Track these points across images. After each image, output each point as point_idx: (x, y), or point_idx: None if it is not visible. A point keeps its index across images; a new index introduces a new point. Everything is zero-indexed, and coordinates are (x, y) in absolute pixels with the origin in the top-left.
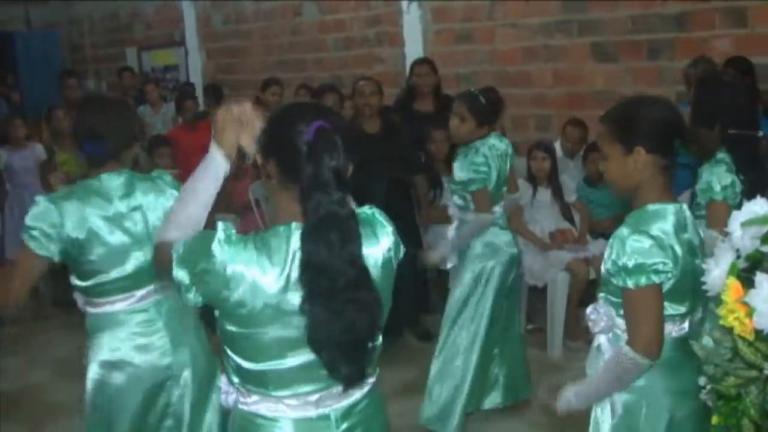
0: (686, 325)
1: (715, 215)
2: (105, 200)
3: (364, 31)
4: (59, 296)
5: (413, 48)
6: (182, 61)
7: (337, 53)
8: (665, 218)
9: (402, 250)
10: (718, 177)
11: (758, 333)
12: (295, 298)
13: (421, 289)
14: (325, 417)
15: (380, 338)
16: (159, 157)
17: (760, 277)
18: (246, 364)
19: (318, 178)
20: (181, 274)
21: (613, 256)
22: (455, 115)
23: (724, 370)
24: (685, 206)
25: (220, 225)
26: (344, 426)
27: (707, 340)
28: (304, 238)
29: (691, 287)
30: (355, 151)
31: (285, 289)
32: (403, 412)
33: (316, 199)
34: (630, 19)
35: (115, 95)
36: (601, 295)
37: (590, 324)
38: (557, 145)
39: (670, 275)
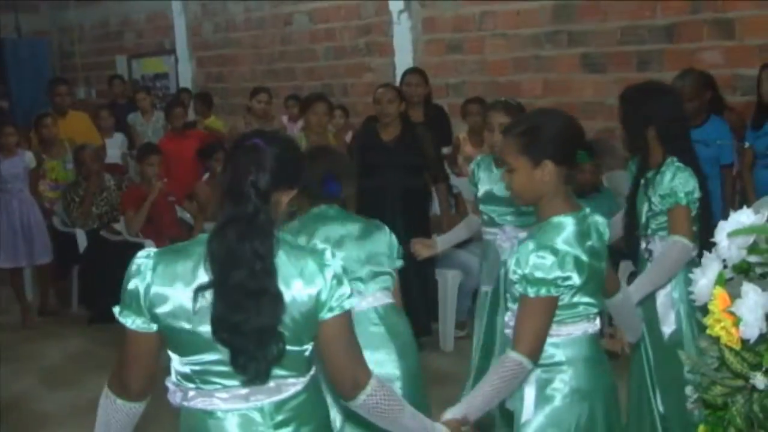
0: (598, 322)
1: (679, 220)
2: None
3: (355, 41)
4: (46, 305)
5: (403, 58)
6: (172, 69)
7: (327, 62)
8: (567, 229)
9: (348, 303)
10: (682, 183)
11: (745, 342)
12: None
13: (430, 298)
14: (259, 408)
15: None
16: (148, 165)
17: (746, 287)
18: (176, 360)
19: (231, 187)
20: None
21: (515, 266)
22: (494, 127)
23: (711, 379)
24: (588, 211)
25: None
26: (278, 418)
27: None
28: (210, 237)
29: (598, 288)
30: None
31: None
32: None
33: (227, 206)
34: (619, 30)
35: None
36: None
37: (507, 332)
38: None
39: (570, 287)
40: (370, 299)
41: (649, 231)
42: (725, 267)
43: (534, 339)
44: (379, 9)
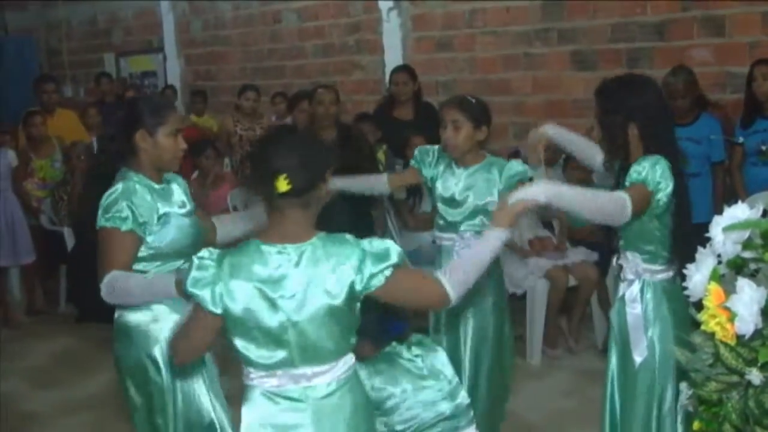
0: None
1: (634, 190)
2: None
3: (344, 39)
4: (33, 305)
5: (393, 55)
6: (160, 67)
7: (316, 60)
8: None
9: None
10: (653, 171)
11: (740, 338)
12: None
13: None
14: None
15: None
16: None
17: (741, 282)
18: None
19: None
20: None
21: None
22: (447, 124)
23: (706, 375)
24: None
25: None
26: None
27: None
28: None
29: None
30: None
31: None
32: None
33: None
34: (609, 27)
35: None
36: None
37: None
38: None
39: None
40: None
41: (621, 243)
42: (720, 262)
43: None
44: (369, 6)
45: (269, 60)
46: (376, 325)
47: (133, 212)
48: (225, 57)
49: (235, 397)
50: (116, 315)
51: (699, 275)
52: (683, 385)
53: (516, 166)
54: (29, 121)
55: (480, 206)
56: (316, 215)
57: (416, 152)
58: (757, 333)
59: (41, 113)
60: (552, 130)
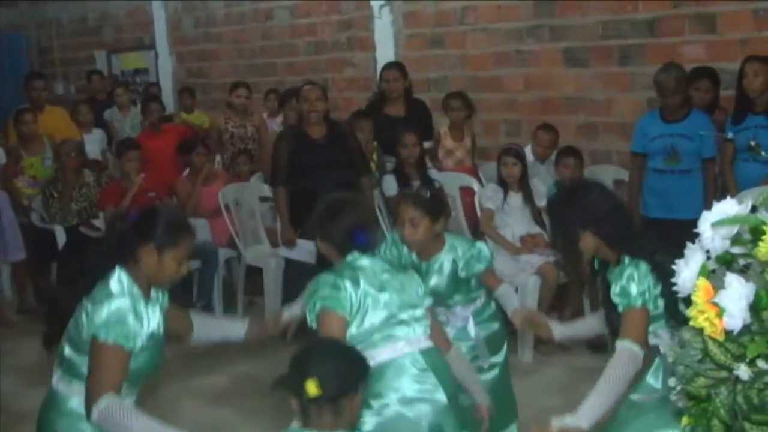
0: None
1: (630, 323)
2: None
3: (336, 36)
4: (24, 303)
5: (384, 52)
6: (152, 64)
7: (308, 57)
8: None
9: None
10: (636, 281)
11: (728, 334)
12: None
13: None
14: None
15: None
16: (128, 161)
17: (730, 277)
18: None
19: None
20: None
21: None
22: (405, 222)
23: (694, 371)
24: None
25: None
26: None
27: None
28: None
29: None
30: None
31: None
32: None
33: None
34: (601, 24)
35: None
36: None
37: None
38: (528, 150)
39: None
40: (414, 342)
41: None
42: (709, 258)
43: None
44: (360, 4)
45: (261, 57)
46: (343, 233)
47: (135, 332)
48: (217, 54)
49: (230, 395)
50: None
51: (688, 271)
52: (672, 381)
53: (481, 253)
54: (19, 119)
55: (451, 288)
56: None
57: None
58: (746, 328)
59: (32, 111)
60: (559, 335)
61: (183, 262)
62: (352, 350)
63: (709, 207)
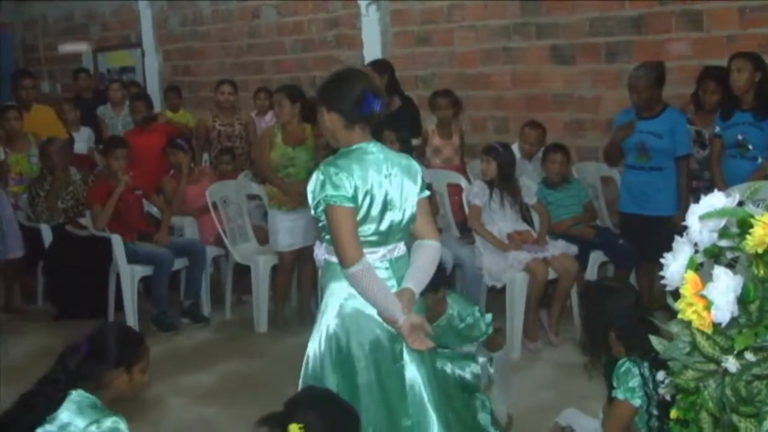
0: None
1: (613, 414)
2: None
3: (323, 33)
4: (11, 303)
5: (372, 50)
6: (139, 62)
7: (295, 55)
8: None
9: None
10: (626, 378)
11: (716, 326)
12: None
13: None
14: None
15: None
16: (115, 159)
17: (718, 270)
18: None
19: None
20: None
21: None
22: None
23: (683, 363)
24: None
25: None
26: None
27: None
28: None
29: None
30: None
31: None
32: None
33: None
34: (588, 21)
35: None
36: None
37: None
38: (515, 147)
39: None
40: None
41: None
42: (696, 251)
43: None
44: (347, 2)
45: (248, 55)
46: (352, 99)
47: None
48: (203, 52)
49: (217, 393)
50: None
51: (676, 264)
52: (661, 374)
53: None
54: (4, 116)
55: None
56: None
57: None
58: (734, 321)
59: (16, 108)
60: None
61: (146, 369)
62: (345, 406)
63: (681, 205)
